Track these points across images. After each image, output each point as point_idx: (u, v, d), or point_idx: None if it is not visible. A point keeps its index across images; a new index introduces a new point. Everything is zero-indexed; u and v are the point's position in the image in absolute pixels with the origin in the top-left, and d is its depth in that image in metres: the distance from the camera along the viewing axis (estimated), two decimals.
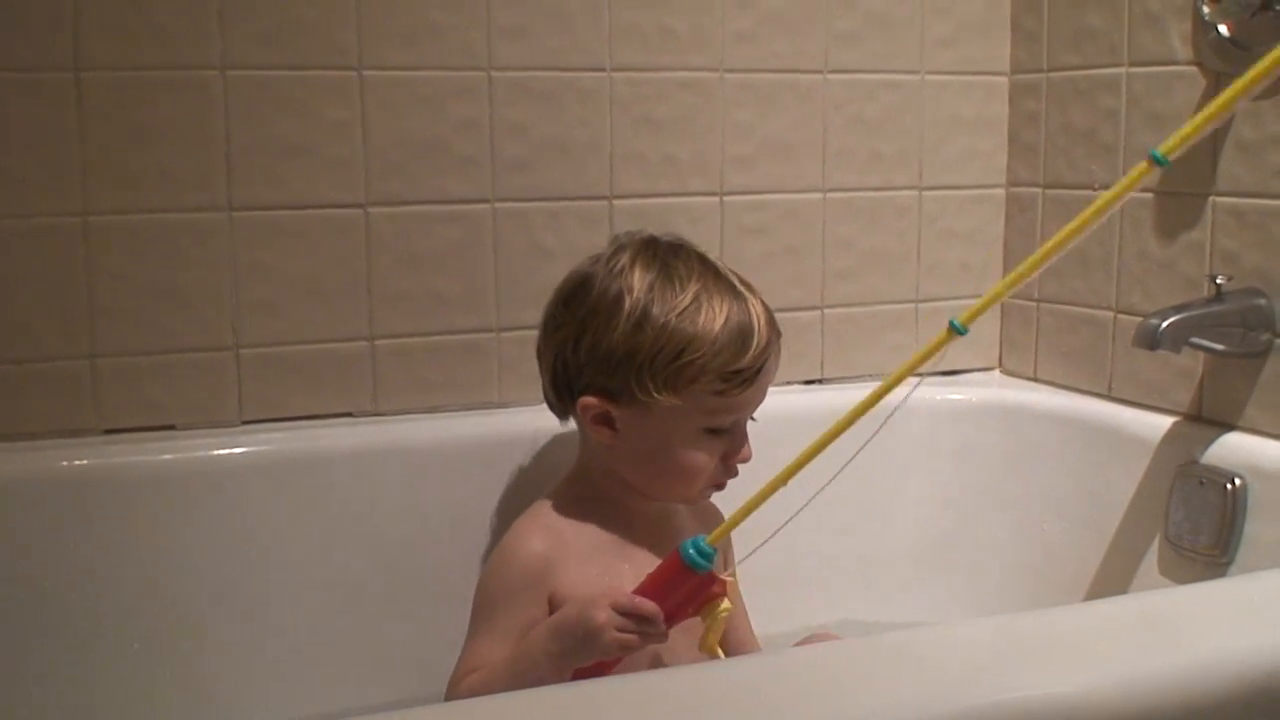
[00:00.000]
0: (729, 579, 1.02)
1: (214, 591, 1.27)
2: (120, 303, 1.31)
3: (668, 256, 1.14)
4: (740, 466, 1.14)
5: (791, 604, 1.32)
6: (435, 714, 0.87)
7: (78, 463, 1.26)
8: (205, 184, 1.32)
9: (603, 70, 1.45)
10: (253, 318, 1.36)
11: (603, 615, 0.99)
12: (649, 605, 0.99)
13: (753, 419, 1.16)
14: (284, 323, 1.37)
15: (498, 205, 1.43)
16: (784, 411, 1.51)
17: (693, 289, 1.10)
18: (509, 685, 1.03)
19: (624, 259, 1.13)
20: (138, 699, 1.24)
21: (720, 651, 1.05)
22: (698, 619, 1.03)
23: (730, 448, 1.13)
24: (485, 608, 1.12)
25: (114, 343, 1.31)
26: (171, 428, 1.34)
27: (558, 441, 1.36)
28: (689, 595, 1.01)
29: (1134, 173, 0.90)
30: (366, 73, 1.36)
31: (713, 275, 1.13)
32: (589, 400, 1.12)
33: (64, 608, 1.22)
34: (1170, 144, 0.92)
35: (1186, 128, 0.91)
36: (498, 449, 1.35)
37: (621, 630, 0.99)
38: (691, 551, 1.00)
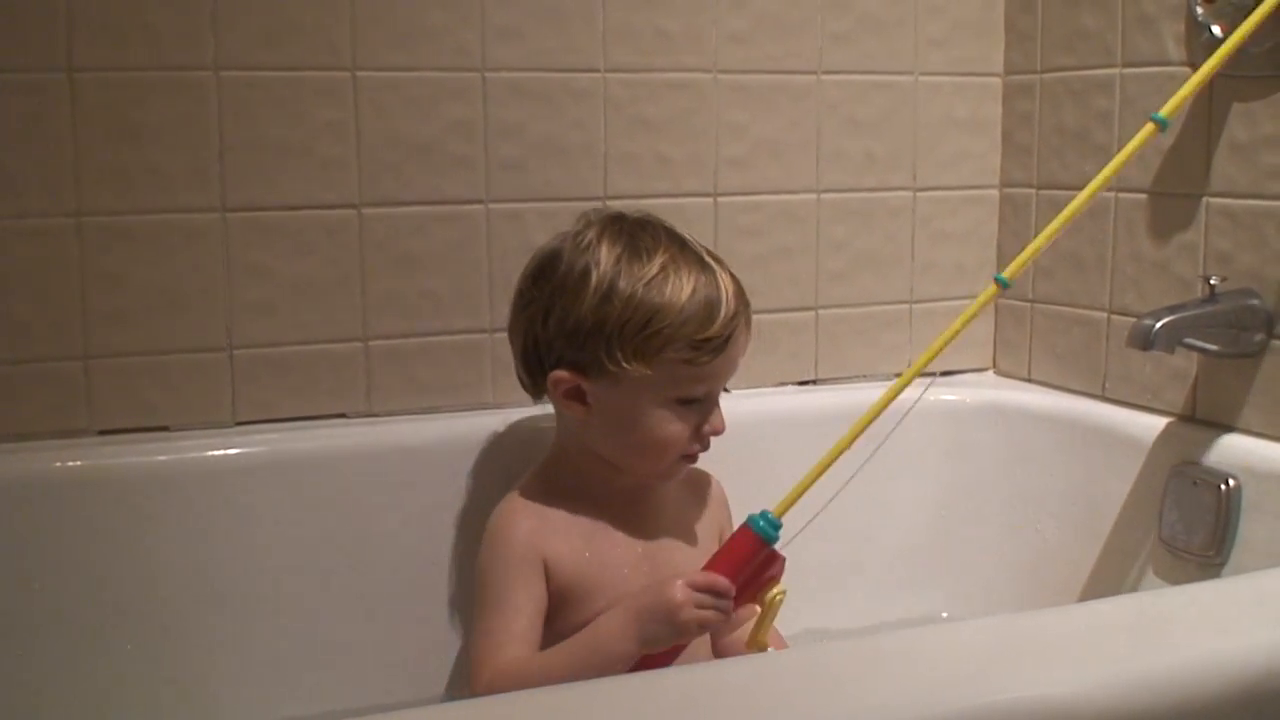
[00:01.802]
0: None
1: (208, 592, 1.27)
2: (114, 303, 1.31)
3: (634, 230, 1.15)
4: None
5: (786, 605, 1.32)
6: (431, 714, 0.87)
7: (71, 464, 1.25)
8: (199, 185, 1.32)
9: (597, 71, 1.45)
10: (247, 319, 1.35)
11: (680, 593, 1.01)
12: (722, 580, 1.02)
13: (726, 390, 1.17)
14: (278, 324, 1.37)
15: (492, 206, 1.43)
16: (779, 412, 1.52)
17: (659, 260, 1.12)
18: (573, 676, 1.02)
19: (591, 234, 1.15)
20: (133, 699, 1.24)
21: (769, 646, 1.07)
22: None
23: (702, 418, 1.14)
24: (491, 589, 1.13)
25: (108, 343, 1.31)
26: (165, 429, 1.34)
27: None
28: (756, 571, 1.04)
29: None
30: (360, 73, 1.36)
31: (679, 247, 1.14)
32: (560, 374, 1.13)
33: (58, 609, 1.22)
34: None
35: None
36: (492, 450, 1.35)
37: (700, 606, 1.01)
38: (762, 523, 1.04)
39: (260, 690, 1.28)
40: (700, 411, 1.14)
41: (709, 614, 1.01)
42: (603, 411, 1.13)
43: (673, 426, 1.13)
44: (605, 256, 1.12)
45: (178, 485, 1.28)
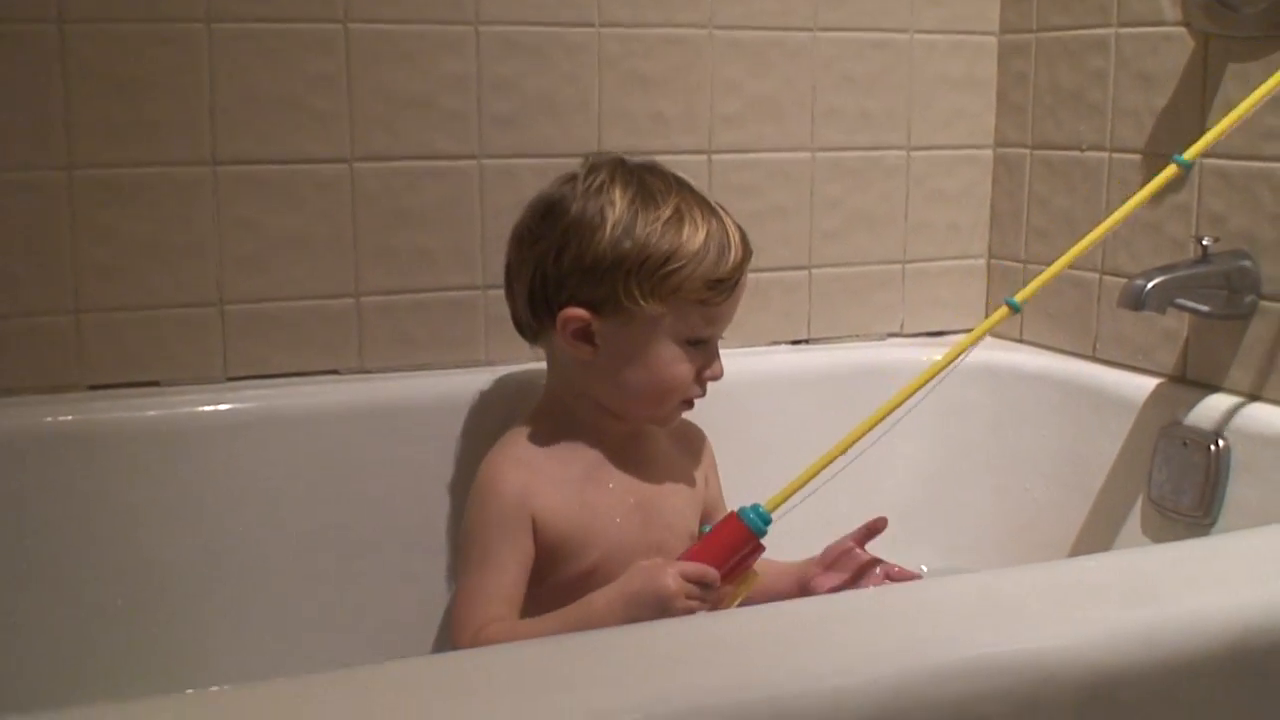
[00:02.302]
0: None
1: (199, 548, 1.27)
2: (105, 258, 1.30)
3: (644, 174, 1.16)
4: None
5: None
6: (427, 665, 0.87)
7: (61, 419, 1.25)
8: (190, 138, 1.31)
9: (591, 26, 1.44)
10: (238, 273, 1.35)
11: (673, 583, 1.01)
12: (713, 573, 1.03)
13: (721, 338, 1.19)
14: (269, 279, 1.36)
15: (485, 161, 1.42)
16: (772, 371, 1.52)
17: (673, 202, 1.13)
18: None
19: (601, 177, 1.15)
20: (123, 655, 1.24)
21: None
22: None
23: (705, 362, 1.16)
24: (477, 544, 1.13)
25: (98, 298, 1.30)
26: (156, 384, 1.33)
27: None
28: (740, 560, 1.06)
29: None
30: (353, 25, 1.35)
31: (689, 191, 1.16)
32: (572, 311, 1.13)
33: (47, 564, 1.22)
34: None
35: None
36: (484, 406, 1.35)
37: (690, 597, 1.01)
38: (752, 516, 1.05)
39: (250, 646, 1.29)
40: (704, 354, 1.16)
41: (696, 604, 1.02)
42: (611, 351, 1.14)
43: (680, 367, 1.14)
44: (619, 198, 1.13)
45: (169, 441, 1.27)
